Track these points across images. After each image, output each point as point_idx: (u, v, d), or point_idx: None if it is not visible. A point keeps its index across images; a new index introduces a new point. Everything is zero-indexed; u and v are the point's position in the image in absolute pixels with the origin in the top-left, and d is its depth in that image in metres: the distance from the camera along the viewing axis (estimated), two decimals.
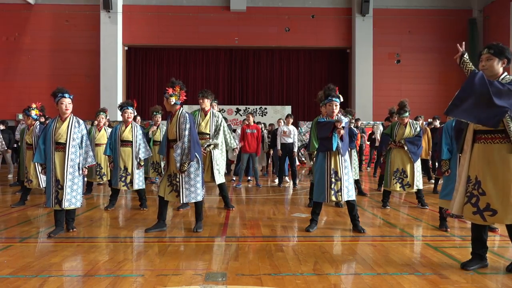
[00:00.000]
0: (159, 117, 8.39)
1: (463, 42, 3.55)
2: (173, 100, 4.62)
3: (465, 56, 3.40)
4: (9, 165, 11.18)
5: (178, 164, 4.56)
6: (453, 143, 4.74)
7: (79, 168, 4.64)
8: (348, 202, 4.83)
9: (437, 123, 10.34)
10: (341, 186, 4.73)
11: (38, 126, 6.68)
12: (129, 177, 6.15)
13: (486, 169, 3.33)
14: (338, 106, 4.81)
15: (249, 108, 16.22)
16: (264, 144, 10.69)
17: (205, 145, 5.94)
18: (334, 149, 4.64)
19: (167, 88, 4.66)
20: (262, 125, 11.65)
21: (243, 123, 10.54)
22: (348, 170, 4.83)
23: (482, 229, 3.49)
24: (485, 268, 3.46)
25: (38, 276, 3.24)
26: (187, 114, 4.65)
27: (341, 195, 4.72)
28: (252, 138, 9.19)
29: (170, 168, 4.76)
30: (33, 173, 6.58)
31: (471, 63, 3.37)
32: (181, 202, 4.71)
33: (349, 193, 4.78)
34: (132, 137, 6.20)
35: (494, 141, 3.31)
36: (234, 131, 11.21)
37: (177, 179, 4.67)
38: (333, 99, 4.76)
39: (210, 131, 6.13)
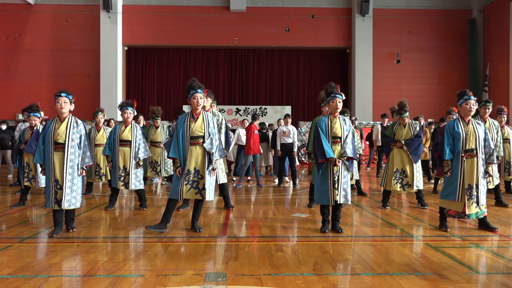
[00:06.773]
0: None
1: None
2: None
3: None
4: (9, 165, 11.18)
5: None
6: (456, 143, 4.72)
7: (78, 168, 4.65)
8: (339, 204, 4.80)
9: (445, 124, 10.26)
10: (339, 187, 4.71)
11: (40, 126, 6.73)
12: (127, 177, 6.16)
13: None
14: (341, 103, 4.80)
15: (249, 108, 16.20)
16: (269, 144, 10.69)
17: None
18: (318, 174, 4.72)
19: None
20: (266, 125, 11.56)
21: (249, 123, 9.87)
22: (347, 180, 4.82)
23: None
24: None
25: (38, 276, 3.24)
26: None
27: (338, 195, 4.71)
28: (257, 139, 9.24)
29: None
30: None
31: None
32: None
33: (347, 196, 4.79)
34: (132, 137, 6.20)
35: None
36: (233, 131, 11.19)
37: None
38: (337, 95, 4.74)
39: None
